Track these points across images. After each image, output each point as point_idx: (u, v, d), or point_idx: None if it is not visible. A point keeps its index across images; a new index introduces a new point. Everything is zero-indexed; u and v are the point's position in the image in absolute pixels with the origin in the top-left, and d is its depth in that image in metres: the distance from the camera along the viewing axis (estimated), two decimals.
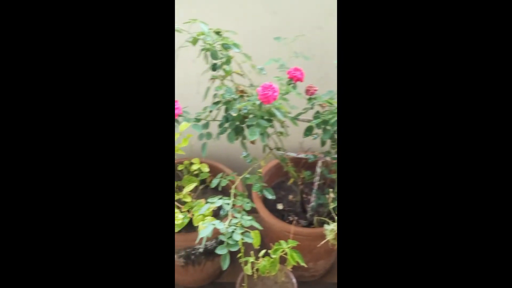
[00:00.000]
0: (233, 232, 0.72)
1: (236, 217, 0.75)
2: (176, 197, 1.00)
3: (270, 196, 0.85)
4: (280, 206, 1.08)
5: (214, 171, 1.10)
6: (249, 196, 0.90)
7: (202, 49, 0.79)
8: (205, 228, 0.72)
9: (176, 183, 1.05)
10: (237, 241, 0.71)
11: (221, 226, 0.72)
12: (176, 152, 1.03)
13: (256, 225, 0.76)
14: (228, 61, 0.78)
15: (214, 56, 0.77)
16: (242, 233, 0.73)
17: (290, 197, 1.11)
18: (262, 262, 0.83)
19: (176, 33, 0.75)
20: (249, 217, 0.76)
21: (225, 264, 0.72)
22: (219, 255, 0.99)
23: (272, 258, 0.82)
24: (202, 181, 1.09)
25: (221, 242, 0.72)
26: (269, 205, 1.06)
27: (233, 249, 0.71)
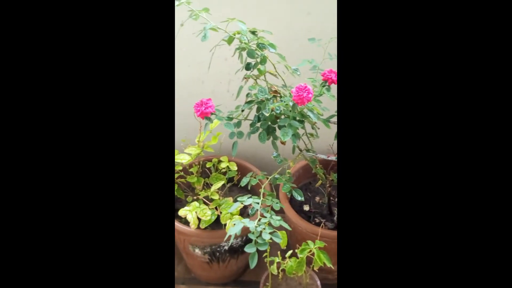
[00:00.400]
0: (262, 231, 0.72)
1: (265, 217, 0.76)
2: (204, 194, 1.01)
3: (300, 198, 0.85)
4: (306, 208, 1.08)
5: (241, 170, 1.10)
6: (277, 197, 0.90)
7: (237, 48, 0.79)
8: (235, 226, 0.72)
9: (204, 180, 1.06)
10: (266, 240, 0.72)
11: (251, 224, 0.72)
12: (205, 149, 1.04)
13: (285, 225, 0.76)
14: (263, 60, 0.78)
15: (251, 55, 0.77)
16: (271, 233, 0.73)
17: (317, 199, 1.11)
18: (289, 263, 0.83)
19: (211, 32, 0.76)
20: (278, 217, 0.76)
21: (253, 263, 0.72)
22: (244, 253, 1.00)
23: (298, 258, 0.82)
24: (230, 179, 1.10)
25: (249, 241, 0.73)
26: (296, 206, 1.06)
27: (262, 248, 0.71)
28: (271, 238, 0.73)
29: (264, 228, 0.73)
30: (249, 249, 0.72)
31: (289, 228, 0.76)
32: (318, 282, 0.92)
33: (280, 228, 0.76)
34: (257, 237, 0.72)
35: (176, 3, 0.73)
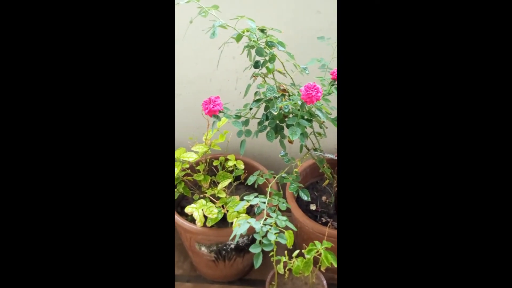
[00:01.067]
0: (267, 231, 0.72)
1: (271, 217, 0.75)
2: (211, 192, 1.01)
3: (306, 198, 0.84)
4: (313, 207, 1.07)
5: (248, 168, 1.10)
6: (283, 195, 0.90)
7: (246, 46, 0.79)
8: (241, 226, 0.72)
9: (210, 178, 1.06)
10: (271, 241, 0.71)
11: (257, 225, 0.72)
12: (212, 148, 1.04)
13: (291, 226, 0.75)
14: (272, 59, 0.78)
15: (260, 53, 0.76)
16: (277, 234, 0.72)
17: (324, 198, 1.10)
18: (296, 262, 0.82)
19: (220, 30, 0.76)
20: (284, 218, 0.75)
21: (258, 263, 0.72)
22: (250, 252, 0.99)
23: (305, 258, 0.81)
24: (237, 178, 1.09)
25: (255, 239, 0.72)
26: (302, 205, 1.05)
27: (267, 249, 0.71)
28: (276, 238, 0.72)
29: (270, 229, 0.72)
30: (254, 249, 0.71)
31: (294, 229, 0.76)
32: (324, 282, 0.91)
33: (287, 227, 0.76)
34: (262, 237, 0.71)
35: (185, 0, 0.72)
